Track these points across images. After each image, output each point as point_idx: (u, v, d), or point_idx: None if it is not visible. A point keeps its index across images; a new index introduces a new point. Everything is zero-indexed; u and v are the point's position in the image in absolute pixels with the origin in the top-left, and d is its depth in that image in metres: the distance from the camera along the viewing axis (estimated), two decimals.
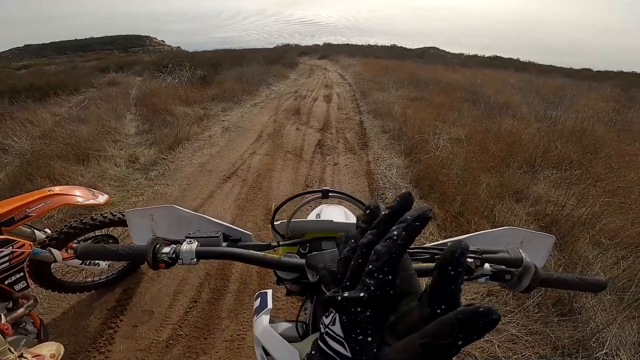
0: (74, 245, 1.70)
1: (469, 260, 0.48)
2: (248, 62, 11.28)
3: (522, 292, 0.49)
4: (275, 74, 9.99)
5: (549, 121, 5.30)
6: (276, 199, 2.98)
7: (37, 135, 4.24)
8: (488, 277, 0.49)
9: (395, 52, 25.77)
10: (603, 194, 2.83)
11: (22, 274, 1.39)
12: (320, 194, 0.58)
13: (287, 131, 4.85)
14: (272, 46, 32.07)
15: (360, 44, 41.85)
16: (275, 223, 0.66)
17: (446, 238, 2.44)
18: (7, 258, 1.30)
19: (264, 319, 0.69)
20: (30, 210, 1.44)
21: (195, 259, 0.50)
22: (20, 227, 1.47)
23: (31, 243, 1.42)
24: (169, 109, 5.28)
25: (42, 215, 1.53)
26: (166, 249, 0.50)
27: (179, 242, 0.53)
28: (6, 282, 1.33)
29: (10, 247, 1.31)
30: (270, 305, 0.81)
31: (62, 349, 1.50)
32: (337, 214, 1.03)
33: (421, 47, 43.17)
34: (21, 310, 1.36)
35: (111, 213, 1.76)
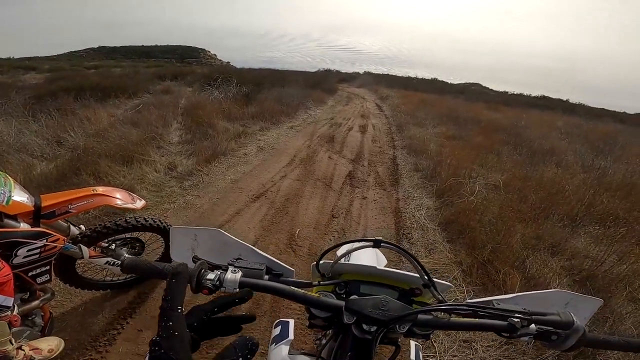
0: (102, 244, 1.76)
1: (515, 319, 0.49)
2: (289, 84, 11.75)
3: (565, 350, 0.50)
4: (314, 98, 10.29)
5: (597, 172, 4.99)
6: (301, 226, 2.99)
7: (92, 133, 4.60)
8: (532, 336, 0.50)
9: (435, 86, 25.72)
10: None
11: (48, 267, 1.41)
12: (372, 243, 0.60)
13: (320, 158, 4.93)
14: (313, 70, 33.30)
15: (400, 75, 42.34)
16: (320, 262, 0.65)
17: (470, 285, 2.42)
18: (37, 251, 1.32)
19: (283, 349, 0.68)
20: (72, 207, 1.48)
21: (237, 289, 0.51)
22: (58, 220, 1.50)
23: (65, 238, 1.44)
24: (212, 122, 5.57)
25: (82, 212, 1.58)
26: (211, 275, 0.51)
27: (220, 268, 0.54)
28: (30, 274, 1.35)
29: (45, 240, 1.33)
30: (291, 336, 0.79)
31: (62, 345, 1.50)
32: (369, 255, 1.02)
33: (463, 82, 42.87)
34: (35, 302, 1.39)
35: (144, 218, 1.81)
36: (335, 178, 4.22)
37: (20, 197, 1.34)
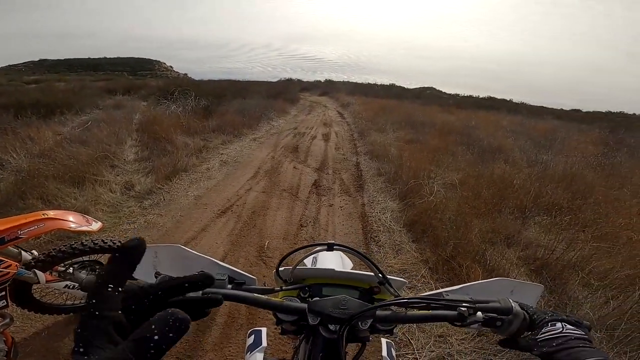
0: (59, 268, 1.69)
1: (462, 308, 0.52)
2: (251, 95, 11.67)
3: (512, 336, 0.53)
4: (276, 108, 10.31)
5: (540, 166, 5.44)
6: (270, 237, 2.99)
7: (36, 154, 4.27)
8: (480, 323, 0.53)
9: (394, 92, 26.63)
10: (592, 239, 2.92)
11: (3, 293, 1.39)
12: (326, 247, 0.63)
13: (285, 169, 4.94)
14: (275, 80, 33.30)
15: (360, 81, 43.42)
16: (280, 269, 0.68)
17: (437, 281, 2.55)
18: None
19: (258, 356, 0.69)
20: (22, 232, 1.44)
21: None
22: (8, 247, 1.45)
23: (17, 264, 1.41)
24: (170, 137, 5.38)
25: (32, 237, 1.54)
26: None
27: None
28: None
29: None
30: (264, 343, 0.81)
31: None
32: (334, 259, 1.05)
33: (419, 87, 44.99)
34: None
35: (102, 240, 1.74)
36: (302, 188, 4.25)
37: None
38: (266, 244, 2.87)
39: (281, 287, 0.66)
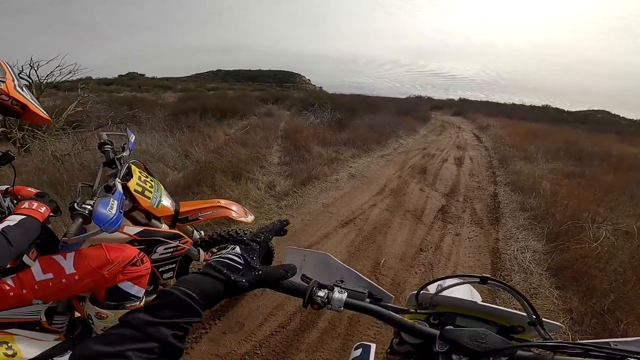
0: (214, 250, 1.97)
1: None
2: (380, 110, 11.81)
3: None
4: (405, 126, 10.10)
5: None
6: (387, 255, 2.92)
7: (211, 149, 5.37)
8: None
9: (547, 114, 22.57)
10: None
11: (174, 265, 1.62)
12: (478, 279, 0.59)
13: (411, 190, 4.76)
14: (403, 96, 32.84)
15: (502, 102, 38.52)
16: (420, 292, 0.67)
17: (578, 333, 2.13)
18: (171, 249, 1.53)
19: None
20: (201, 215, 1.72)
21: (342, 308, 0.55)
22: (187, 226, 1.74)
23: (191, 241, 1.65)
24: (308, 146, 5.94)
25: (207, 221, 1.81)
26: (321, 293, 0.56)
27: (327, 288, 0.58)
28: (160, 269, 1.56)
29: (178, 242, 1.54)
30: None
31: None
32: (462, 290, 0.96)
33: (584, 109, 36.47)
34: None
35: (250, 231, 1.97)
36: (427, 211, 4.00)
37: (166, 202, 1.60)
38: (382, 261, 2.82)
39: (416, 309, 0.66)
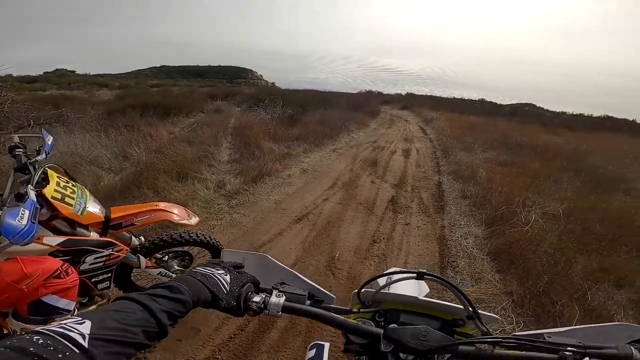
0: (157, 256, 1.88)
1: (567, 352, 0.46)
2: (332, 106, 11.98)
3: None
4: (356, 120, 10.37)
5: None
6: (341, 249, 2.98)
7: (153, 149, 5.02)
8: None
9: (484, 108, 24.55)
10: None
11: (110, 274, 1.52)
12: (415, 275, 0.60)
13: (362, 182, 4.90)
14: (355, 91, 33.70)
15: (445, 96, 41.11)
16: (362, 290, 0.67)
17: (520, 315, 2.26)
18: (103, 259, 1.43)
19: None
20: (137, 220, 1.61)
21: (280, 312, 0.55)
22: (123, 232, 1.63)
23: (127, 248, 1.56)
24: (259, 143, 5.82)
25: (144, 226, 1.71)
26: (257, 298, 0.55)
27: (265, 291, 0.57)
28: (93, 280, 1.45)
29: (110, 250, 1.45)
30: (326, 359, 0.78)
31: None
32: (411, 285, 1.01)
33: (514, 102, 40.40)
34: (93, 307, 1.49)
35: (196, 234, 1.90)
36: (378, 203, 4.15)
37: (93, 208, 1.48)
38: (337, 255, 2.87)
39: (359, 308, 0.66)
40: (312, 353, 0.74)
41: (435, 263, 2.92)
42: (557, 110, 29.84)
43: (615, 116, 25.79)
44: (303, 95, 14.57)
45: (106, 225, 1.53)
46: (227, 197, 3.87)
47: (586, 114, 26.66)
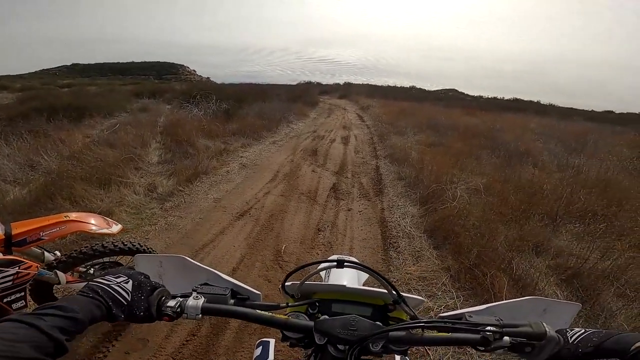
0: (80, 269, 1.75)
1: (487, 332, 0.48)
2: (270, 98, 11.79)
3: None
4: (295, 111, 10.36)
5: (572, 170, 5.17)
6: (287, 241, 2.97)
7: (66, 156, 4.44)
8: (506, 348, 0.49)
9: (414, 94, 26.36)
10: (629, 249, 2.77)
11: (22, 293, 1.41)
12: (335, 264, 0.59)
13: (303, 172, 4.93)
14: (294, 83, 33.66)
15: (380, 84, 43.08)
16: (286, 284, 0.66)
17: (459, 290, 2.44)
18: (10, 278, 1.34)
19: None
20: (44, 234, 1.50)
21: (200, 315, 0.52)
22: (31, 248, 1.51)
23: (38, 265, 1.45)
24: (192, 140, 5.49)
25: (54, 239, 1.58)
26: (171, 303, 0.51)
27: (185, 295, 0.54)
28: (5, 300, 1.35)
29: (17, 268, 1.35)
30: (272, 356, 0.79)
31: None
32: (349, 273, 1.01)
33: (440, 89, 44.09)
34: None
35: (122, 242, 1.78)
36: (320, 191, 4.22)
37: None
38: (283, 248, 2.85)
39: (287, 303, 0.64)
40: (258, 351, 0.73)
41: (379, 245, 3.03)
42: (476, 95, 33.41)
43: (523, 98, 29.72)
44: (240, 89, 14.07)
45: (9, 243, 1.41)
46: (159, 200, 3.60)
47: (499, 97, 30.24)
